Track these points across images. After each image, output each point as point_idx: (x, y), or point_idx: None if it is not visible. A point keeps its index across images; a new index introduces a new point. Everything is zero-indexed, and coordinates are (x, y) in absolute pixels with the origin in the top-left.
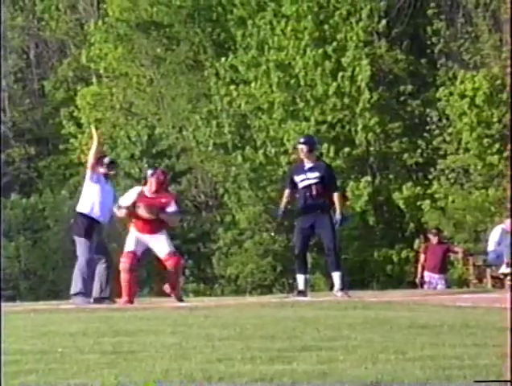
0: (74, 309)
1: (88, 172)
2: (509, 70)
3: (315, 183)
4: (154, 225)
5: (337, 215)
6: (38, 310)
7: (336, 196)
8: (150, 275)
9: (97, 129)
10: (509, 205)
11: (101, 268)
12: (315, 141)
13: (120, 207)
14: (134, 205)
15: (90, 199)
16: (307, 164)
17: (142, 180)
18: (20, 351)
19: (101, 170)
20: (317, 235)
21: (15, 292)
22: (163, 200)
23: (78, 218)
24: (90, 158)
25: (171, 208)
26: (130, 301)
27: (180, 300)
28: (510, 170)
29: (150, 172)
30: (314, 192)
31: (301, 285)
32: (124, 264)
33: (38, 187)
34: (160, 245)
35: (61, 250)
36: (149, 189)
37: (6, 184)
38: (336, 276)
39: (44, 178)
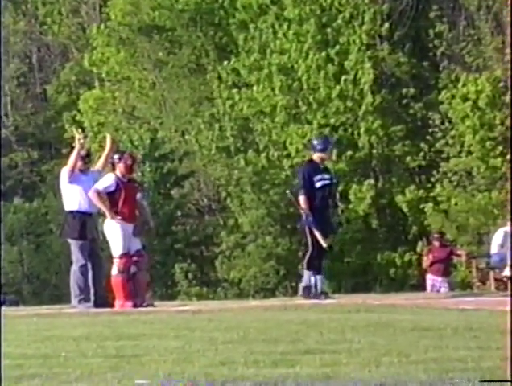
0: (77, 313)
1: (66, 175)
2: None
3: (329, 185)
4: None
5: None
6: (41, 315)
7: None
8: (152, 279)
9: (82, 130)
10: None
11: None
12: None
13: (99, 192)
14: (113, 192)
15: (74, 196)
16: (321, 164)
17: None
18: (23, 356)
19: (79, 164)
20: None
21: (18, 296)
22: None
23: (68, 218)
24: (72, 162)
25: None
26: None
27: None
28: (511, 174)
29: (116, 157)
30: (327, 193)
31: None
32: (122, 265)
33: (41, 191)
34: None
35: (64, 254)
36: (120, 175)
37: (8, 188)
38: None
39: (47, 182)
